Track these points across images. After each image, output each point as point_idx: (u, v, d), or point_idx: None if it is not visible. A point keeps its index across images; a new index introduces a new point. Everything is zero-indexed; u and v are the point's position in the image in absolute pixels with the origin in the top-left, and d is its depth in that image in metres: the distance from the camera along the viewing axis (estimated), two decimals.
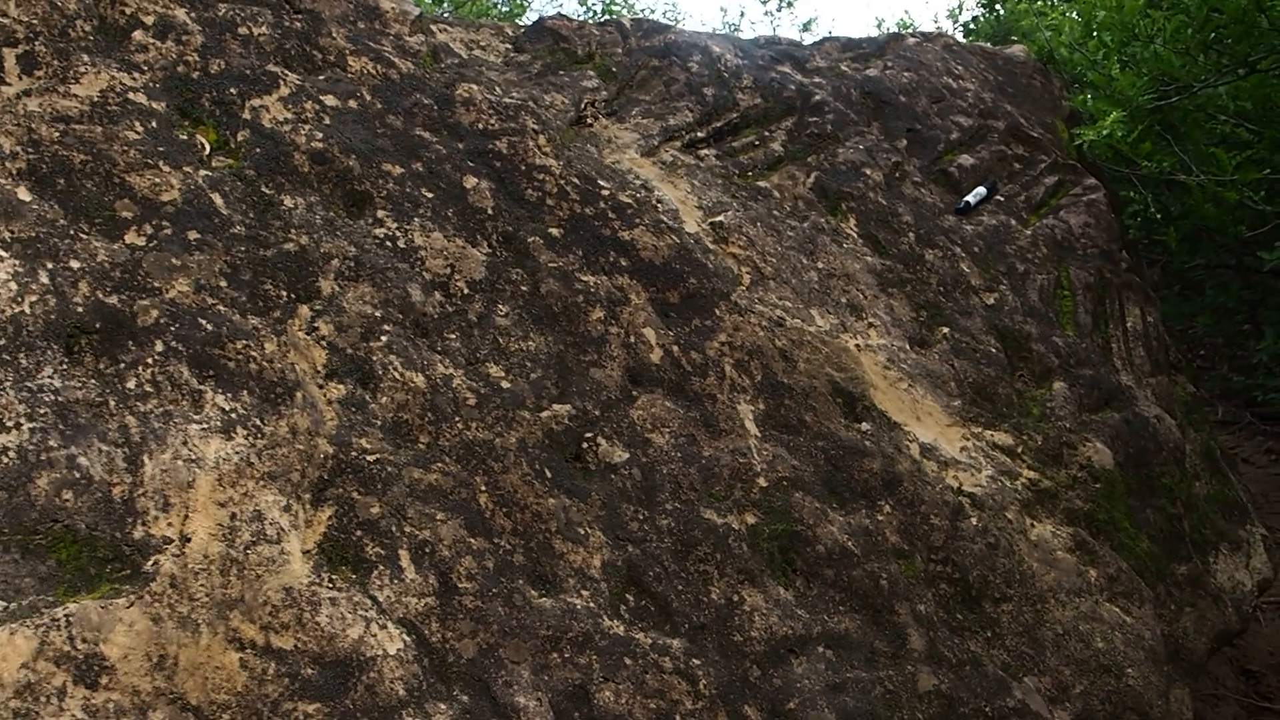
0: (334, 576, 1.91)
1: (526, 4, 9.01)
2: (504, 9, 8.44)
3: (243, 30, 2.67)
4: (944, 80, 4.23)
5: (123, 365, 1.93)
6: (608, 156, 3.12)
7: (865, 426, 2.74)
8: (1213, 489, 3.41)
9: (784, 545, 2.40)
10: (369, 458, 2.08)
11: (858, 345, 2.93)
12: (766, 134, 3.55)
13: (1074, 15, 5.43)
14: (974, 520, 2.68)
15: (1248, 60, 4.79)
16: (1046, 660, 2.54)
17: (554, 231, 2.70)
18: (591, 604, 2.09)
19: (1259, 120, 5.20)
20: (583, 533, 2.18)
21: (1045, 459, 2.96)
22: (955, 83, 4.27)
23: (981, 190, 3.78)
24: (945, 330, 3.15)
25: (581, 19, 3.64)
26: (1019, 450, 2.93)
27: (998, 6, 8.86)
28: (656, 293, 2.72)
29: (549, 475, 2.24)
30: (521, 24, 3.75)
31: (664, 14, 12.34)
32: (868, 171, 3.52)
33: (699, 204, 3.11)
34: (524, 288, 2.55)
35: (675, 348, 2.62)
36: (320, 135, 2.54)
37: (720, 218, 3.08)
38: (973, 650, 2.45)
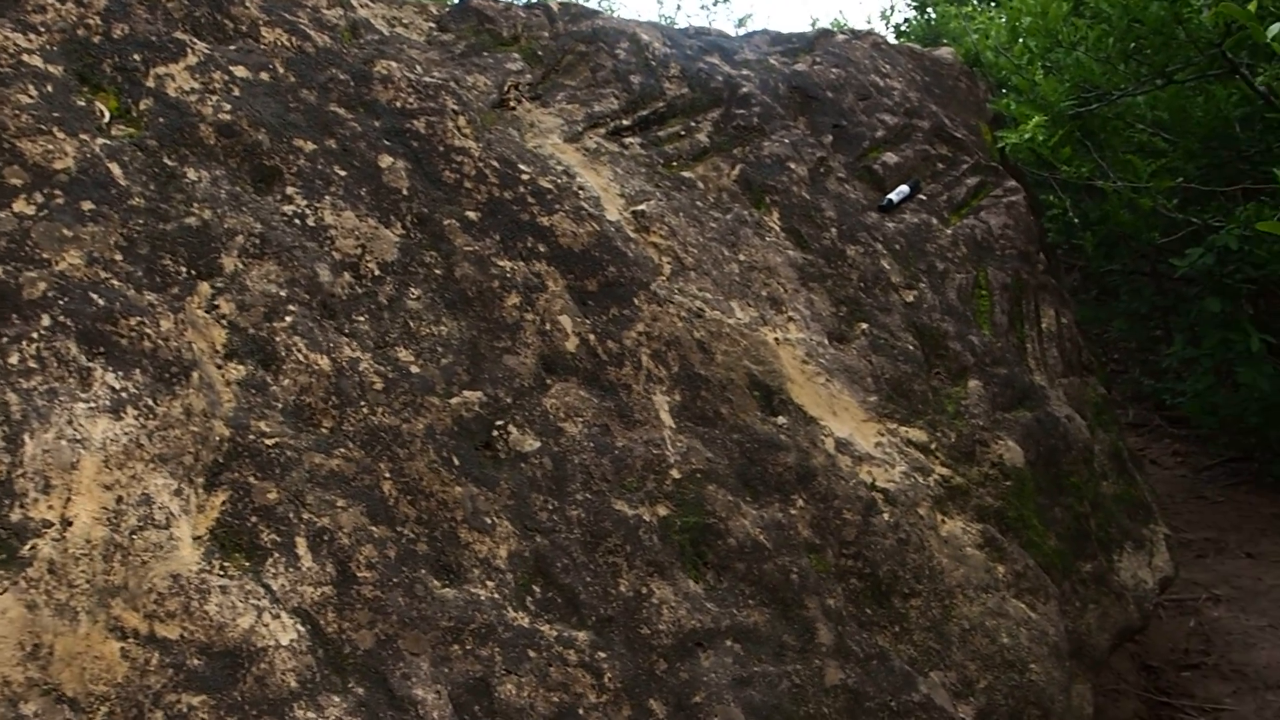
0: (226, 564, 1.84)
1: None
2: None
3: None
4: (871, 78, 4.25)
5: (4, 339, 1.83)
6: (530, 141, 3.06)
7: (781, 420, 2.73)
8: (1119, 489, 3.47)
9: (695, 538, 2.37)
10: (268, 441, 2.00)
11: (777, 338, 2.92)
12: (692, 124, 3.52)
13: (1001, 20, 5.49)
14: (886, 516, 2.69)
15: (1165, 71, 4.89)
16: (953, 655, 2.55)
17: (471, 215, 2.64)
18: (496, 595, 2.04)
19: (1174, 130, 5.32)
20: (490, 522, 2.13)
21: (958, 456, 2.98)
22: (882, 81, 4.29)
23: (905, 188, 3.80)
24: (864, 326, 3.16)
25: (508, 1, 3.58)
26: (933, 447, 2.95)
27: (929, 9, 8.97)
28: (575, 280, 2.68)
29: (457, 463, 2.18)
30: (447, 3, 3.66)
31: (599, 2, 12.26)
32: (793, 166, 3.51)
33: (621, 192, 3.07)
34: (438, 271, 2.49)
35: (592, 336, 2.58)
36: (229, 107, 2.45)
37: (642, 206, 3.04)
38: (880, 645, 2.46)
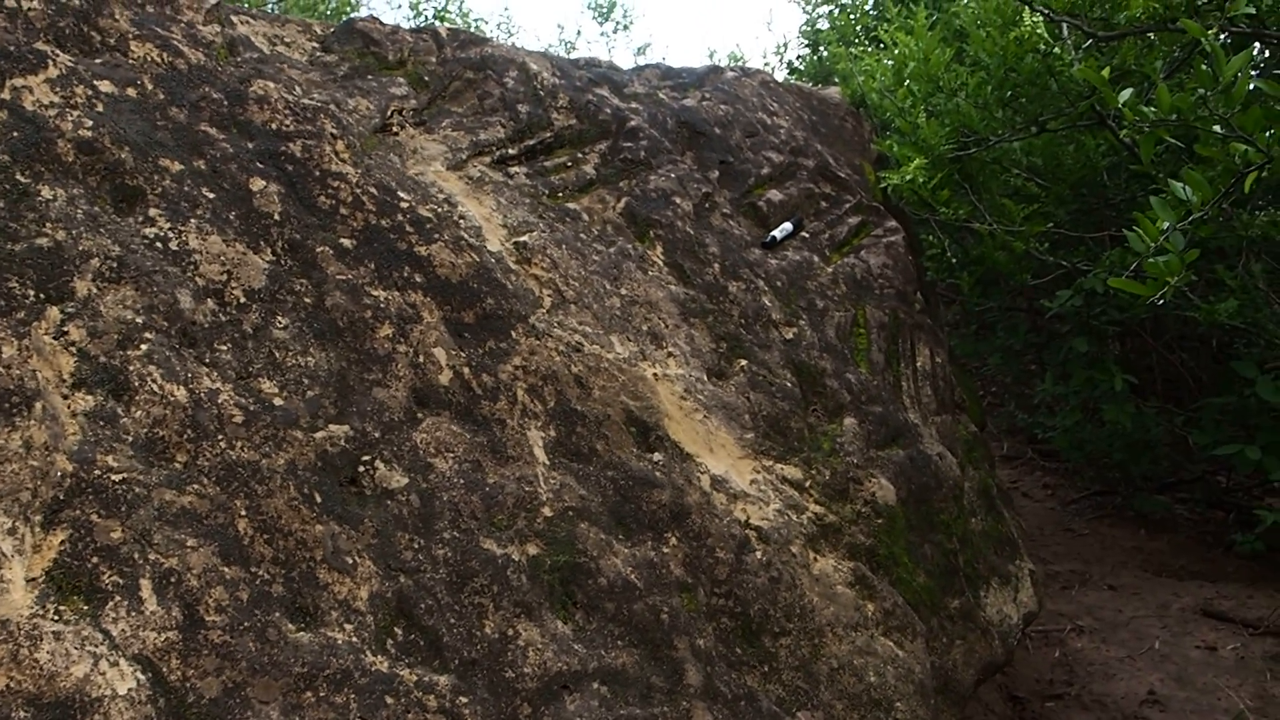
0: (61, 608, 1.73)
1: (356, 3, 8.72)
2: (332, 6, 8.15)
3: (10, 3, 2.44)
4: (759, 115, 4.30)
5: None
6: (411, 168, 3.00)
7: (657, 457, 2.72)
8: (987, 525, 3.55)
9: (565, 577, 2.33)
10: (114, 477, 1.90)
11: (655, 374, 2.91)
12: (580, 155, 3.51)
13: (888, 63, 5.64)
14: (759, 554, 2.69)
15: (1039, 119, 5.08)
16: (820, 695, 2.56)
17: (346, 242, 2.57)
18: (355, 638, 1.97)
19: (1047, 176, 5.52)
20: (351, 562, 2.06)
21: (832, 493, 3.01)
22: (770, 119, 4.34)
23: (788, 226, 3.85)
24: (744, 363, 3.18)
25: (395, 24, 3.51)
26: (807, 484, 2.97)
27: (820, 49, 9.17)
28: (451, 311, 2.63)
29: (319, 500, 2.11)
30: (333, 24, 3.58)
31: (498, 25, 12.16)
32: (678, 200, 3.52)
33: (504, 222, 3.03)
34: (308, 299, 2.41)
35: (466, 369, 2.53)
36: (90, 123, 2.34)
37: (525, 238, 3.01)
38: (749, 685, 2.45)
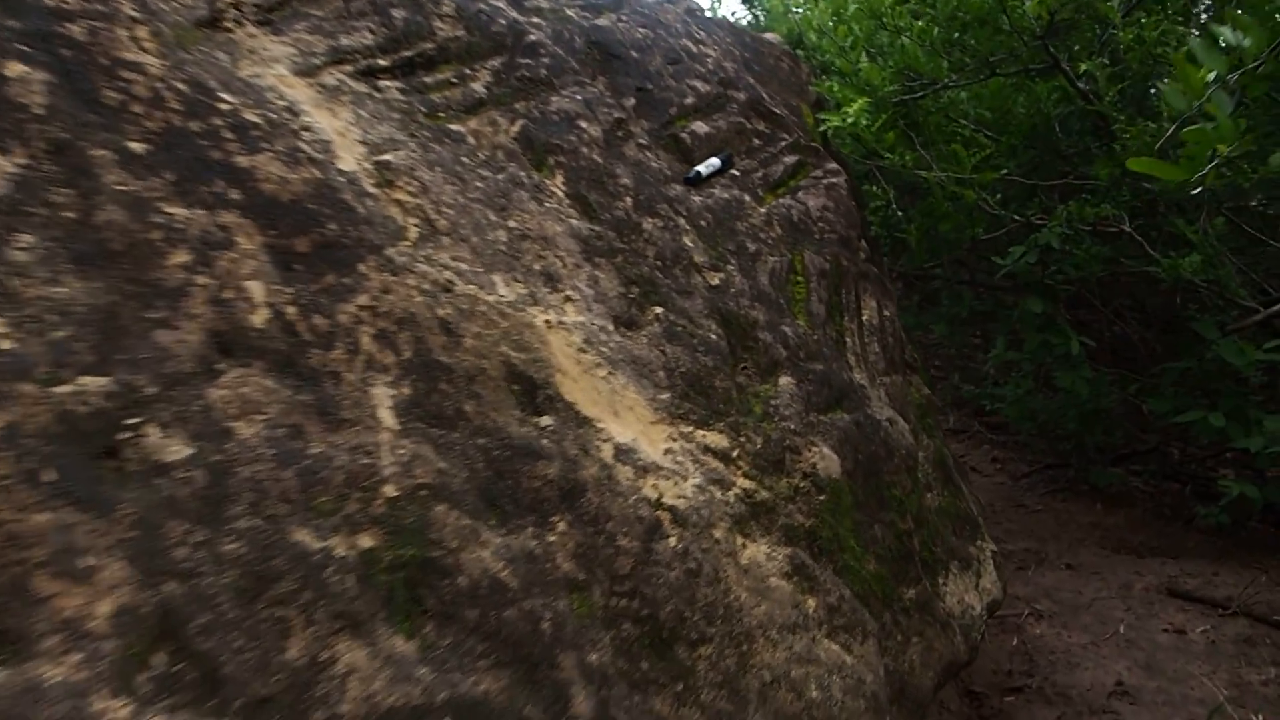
0: None
1: None
2: None
3: None
4: (683, 43, 3.71)
5: None
6: (244, 69, 2.36)
7: (546, 421, 2.11)
8: (944, 500, 3.01)
9: (412, 577, 1.72)
10: None
11: (548, 321, 2.31)
12: (468, 72, 2.88)
13: (823, 4, 5.07)
14: (673, 540, 2.10)
15: (989, 61, 4.54)
16: (750, 719, 1.98)
17: (135, 146, 1.92)
18: (81, 674, 1.34)
19: (996, 127, 5.00)
20: (91, 564, 1.43)
21: (765, 465, 2.43)
22: (696, 47, 3.75)
23: (715, 161, 3.26)
24: (659, 310, 2.58)
25: None
26: (735, 455, 2.38)
27: (756, 5, 8.58)
28: (278, 238, 1.99)
29: (51, 479, 1.47)
30: None
31: None
32: (584, 125, 2.91)
33: (364, 139, 2.40)
34: (70, 214, 1.76)
35: (292, 309, 1.90)
36: None
37: (388, 156, 2.38)
38: (658, 711, 1.86)
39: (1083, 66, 4.07)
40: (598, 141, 2.90)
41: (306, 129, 2.27)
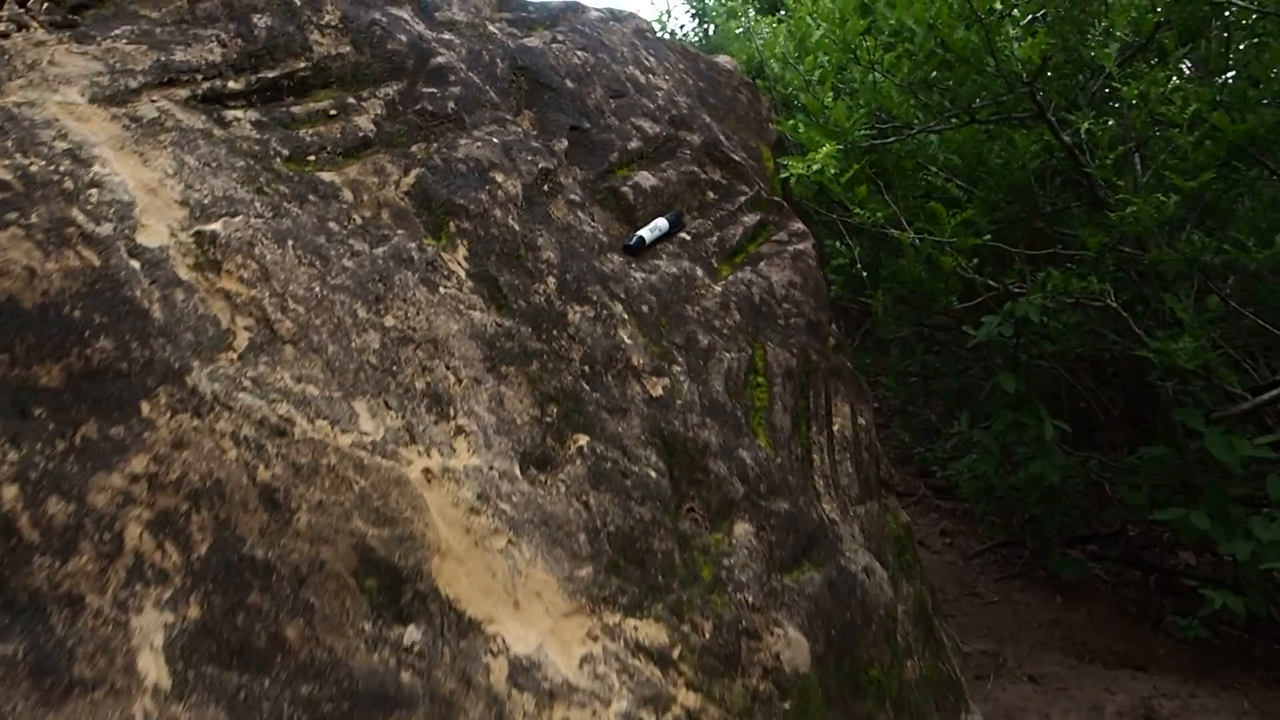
0: None
1: None
2: None
3: None
4: (630, 71, 3.07)
5: None
6: (15, 92, 1.66)
7: (412, 637, 1.46)
8: (926, 666, 2.42)
9: None
10: None
11: (429, 470, 1.65)
12: (352, 102, 2.20)
13: (790, 27, 4.47)
14: None
15: (970, 107, 3.99)
16: None
17: None
18: None
19: (968, 177, 4.46)
20: None
21: (714, 665, 1.80)
22: (644, 76, 3.11)
23: (662, 223, 2.63)
24: (583, 441, 1.94)
25: None
26: (676, 654, 1.75)
27: (708, 24, 7.95)
28: (10, 366, 1.31)
29: None
30: None
31: None
32: (500, 179, 2.25)
33: (185, 197, 1.72)
34: None
35: (11, 490, 1.22)
36: None
37: (217, 225, 1.70)
38: None
39: (1084, 124, 3.53)
40: (516, 201, 2.24)
41: (96, 185, 1.58)
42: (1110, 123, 3.79)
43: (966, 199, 4.27)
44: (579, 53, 2.90)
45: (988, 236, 3.69)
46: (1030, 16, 3.94)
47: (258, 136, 1.97)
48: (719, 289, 2.57)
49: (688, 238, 2.70)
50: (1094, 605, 4.69)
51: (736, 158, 3.13)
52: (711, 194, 2.96)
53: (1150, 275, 4.19)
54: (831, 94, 3.89)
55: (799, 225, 3.12)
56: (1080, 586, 4.84)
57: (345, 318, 1.74)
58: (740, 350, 2.45)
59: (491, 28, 2.71)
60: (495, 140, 2.33)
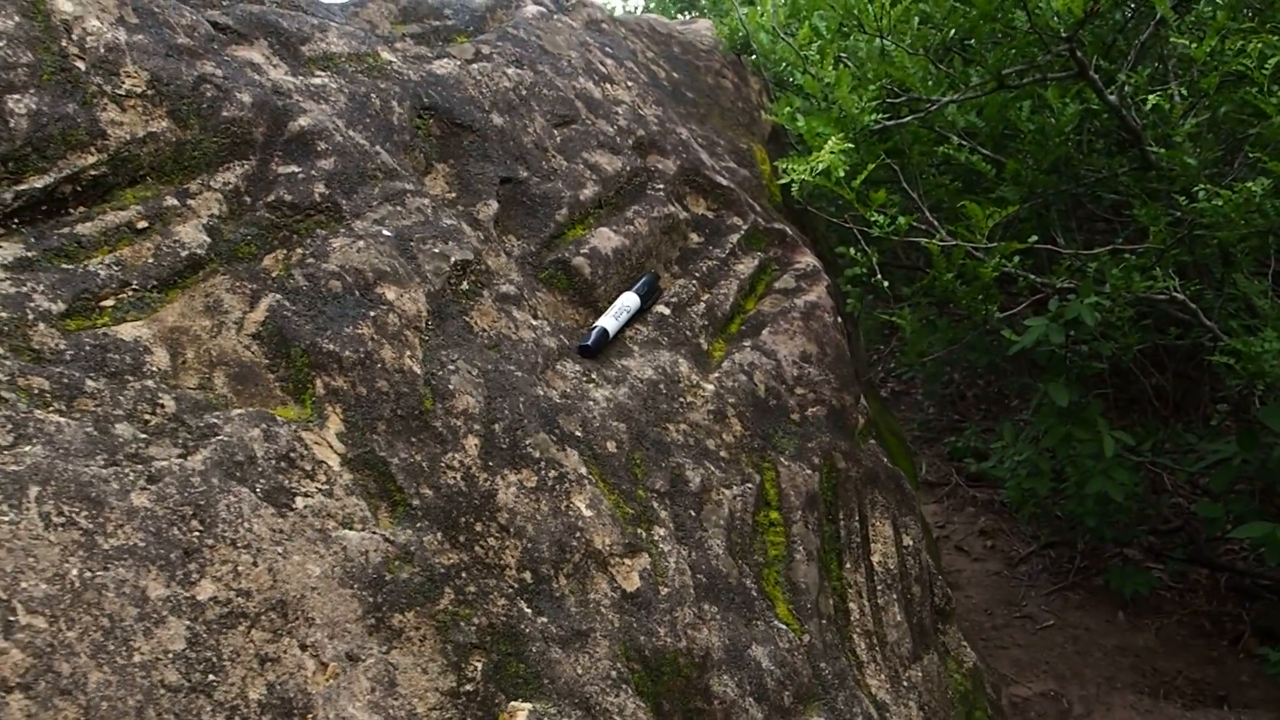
0: None
1: None
2: None
3: None
4: (581, 84, 2.34)
5: None
6: None
7: None
8: None
9: None
10: None
11: None
12: (173, 203, 1.51)
13: None
14: None
15: (1000, 74, 3.25)
16: None
17: None
18: None
19: (993, 145, 3.72)
20: None
21: None
22: (600, 88, 2.39)
23: (630, 300, 1.95)
24: (524, 714, 1.29)
25: None
26: None
27: None
28: None
29: None
30: None
31: None
32: (392, 294, 1.57)
33: None
34: None
35: None
36: None
37: None
38: None
39: (1150, 99, 2.79)
40: (417, 322, 1.56)
41: None
42: (1169, 88, 3.05)
43: (994, 171, 3.55)
44: (511, 69, 2.18)
45: (1034, 239, 2.97)
46: None
47: (9, 291, 1.29)
48: (710, 388, 1.89)
49: (666, 311, 2.02)
50: (1162, 621, 4.07)
51: (723, 181, 2.42)
52: (695, 237, 2.26)
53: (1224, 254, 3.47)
54: (831, 70, 3.15)
55: (808, 260, 2.42)
56: (1143, 597, 4.21)
57: (125, 612, 1.08)
58: (744, 481, 1.78)
59: (386, 55, 1.99)
60: (386, 232, 1.64)
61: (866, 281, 3.27)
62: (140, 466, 1.21)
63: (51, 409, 1.21)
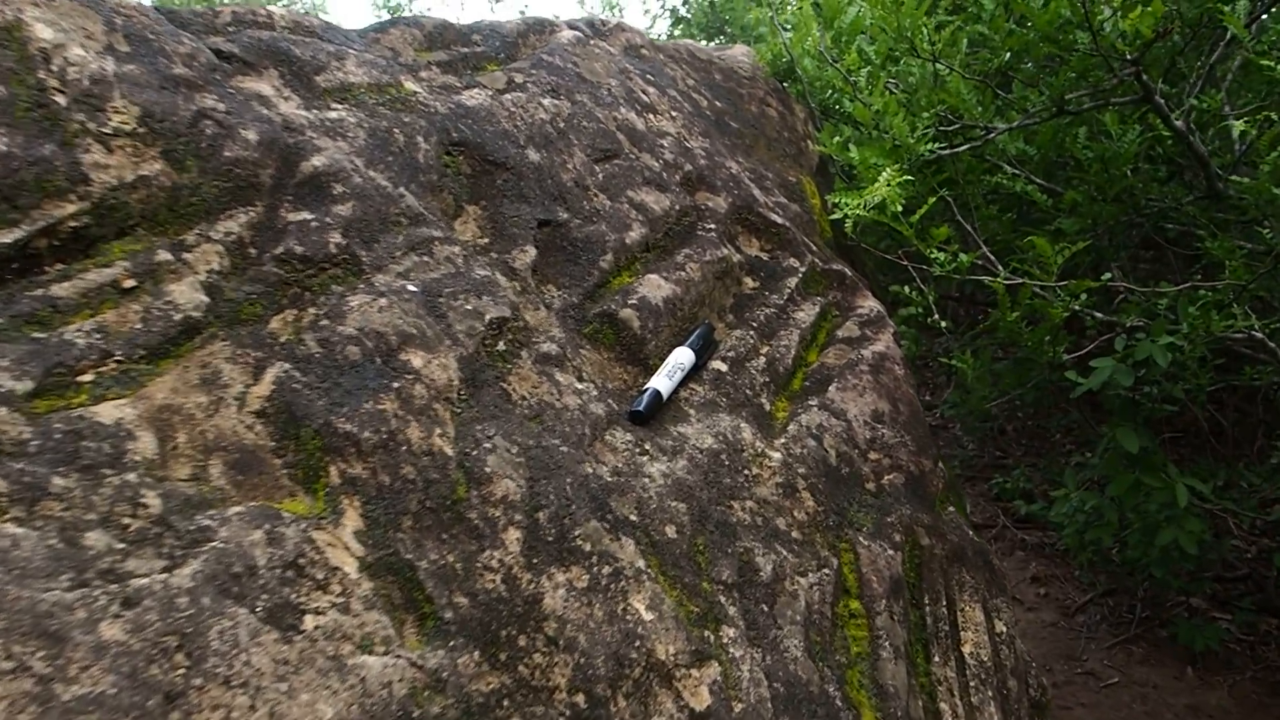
0: None
1: None
2: None
3: None
4: (623, 114, 2.12)
5: None
6: None
7: None
8: None
9: None
10: None
11: None
12: (166, 257, 1.29)
13: (810, 17, 3.48)
14: None
15: (1062, 100, 3.01)
16: None
17: None
18: None
19: (1044, 173, 3.48)
20: None
21: None
22: (643, 119, 2.16)
23: (684, 357, 1.71)
24: None
25: None
26: None
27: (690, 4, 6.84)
28: None
29: None
30: None
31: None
32: (419, 361, 1.34)
33: None
34: None
35: None
36: None
37: None
38: None
39: (1237, 127, 2.55)
40: (449, 391, 1.33)
41: None
42: (1232, 112, 2.80)
43: (1050, 202, 3.31)
44: (546, 100, 1.96)
45: (1108, 276, 2.72)
46: None
47: None
48: (777, 456, 1.65)
49: (724, 367, 1.78)
50: (1235, 678, 3.76)
51: (778, 219, 2.19)
52: (750, 282, 2.03)
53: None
54: (879, 98, 2.92)
55: (870, 304, 2.18)
56: (1213, 651, 3.91)
57: None
58: (821, 566, 1.53)
59: (411, 85, 1.77)
60: (412, 287, 1.41)
61: (922, 321, 3.02)
62: (114, 587, 0.97)
63: (8, 517, 0.98)
